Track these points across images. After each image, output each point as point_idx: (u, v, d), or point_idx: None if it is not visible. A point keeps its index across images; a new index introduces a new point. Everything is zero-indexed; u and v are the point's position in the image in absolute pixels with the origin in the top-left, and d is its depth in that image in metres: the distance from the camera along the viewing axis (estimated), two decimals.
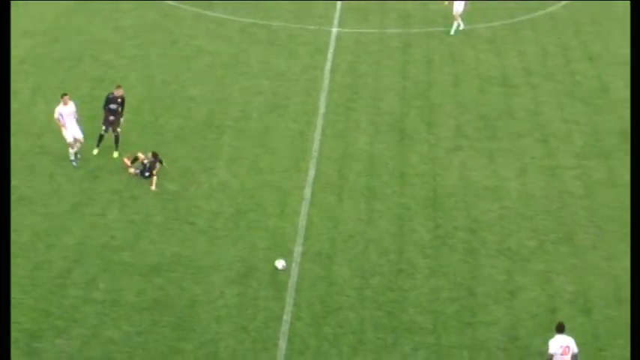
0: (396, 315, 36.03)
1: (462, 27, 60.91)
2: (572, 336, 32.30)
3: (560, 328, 31.86)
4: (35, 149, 45.14)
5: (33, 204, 41.14)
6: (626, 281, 38.40)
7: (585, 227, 42.09)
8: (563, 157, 47.58)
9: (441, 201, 43.34)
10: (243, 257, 38.69)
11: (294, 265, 38.36)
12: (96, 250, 38.00)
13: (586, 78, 56.39)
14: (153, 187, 42.56)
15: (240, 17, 62.26)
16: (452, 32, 60.47)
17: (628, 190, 44.44)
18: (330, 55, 57.39)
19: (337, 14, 63.87)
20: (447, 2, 60.98)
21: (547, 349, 31.63)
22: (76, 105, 43.92)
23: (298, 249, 39.40)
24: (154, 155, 42.92)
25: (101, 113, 44.62)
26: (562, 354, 31.44)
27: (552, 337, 31.83)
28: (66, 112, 42.92)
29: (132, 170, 43.21)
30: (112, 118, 44.43)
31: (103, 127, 44.71)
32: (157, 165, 42.93)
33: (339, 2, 65.73)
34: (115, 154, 44.65)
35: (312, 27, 61.39)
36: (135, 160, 43.29)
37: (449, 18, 61.70)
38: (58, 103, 43.26)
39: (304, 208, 42.13)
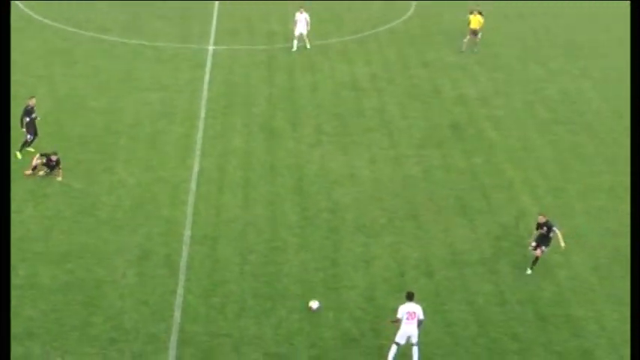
0: (272, 285, 36.11)
1: (308, 48, 60.87)
2: (419, 297, 32.79)
3: (410, 296, 32.26)
4: None
5: None
6: (461, 249, 39.05)
7: (426, 205, 42.57)
8: (405, 147, 48.02)
9: (306, 188, 43.47)
10: (141, 243, 38.41)
11: (184, 247, 38.21)
12: (15, 242, 37.37)
13: (421, 81, 57.00)
14: (59, 178, 42.53)
15: (131, 40, 61.69)
16: (295, 49, 60.52)
17: (460, 173, 45.14)
18: (208, 69, 57.14)
19: (212, 34, 63.60)
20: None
21: (396, 313, 32.01)
22: None
23: (187, 233, 39.24)
24: (48, 158, 42.38)
25: (23, 123, 44.07)
26: (408, 319, 31.82)
27: (403, 302, 32.28)
28: None
29: (41, 172, 42.62)
30: (35, 124, 44.37)
31: (29, 135, 44.32)
32: (55, 164, 42.49)
33: (213, 24, 65.55)
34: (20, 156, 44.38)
35: (192, 46, 61.07)
36: (34, 168, 42.66)
37: (312, 37, 61.79)
38: None
39: (191, 199, 41.95)
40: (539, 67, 60.56)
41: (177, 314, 34.09)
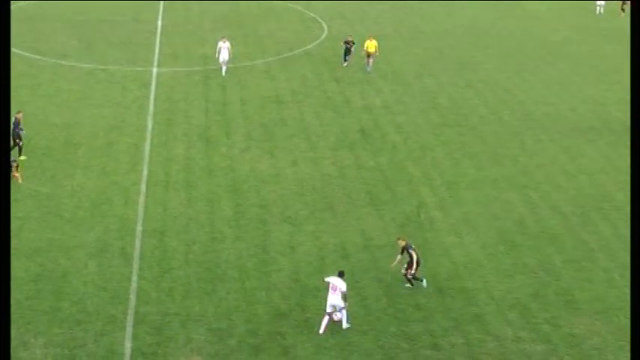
0: (213, 270, 35.79)
1: (225, 72, 59.61)
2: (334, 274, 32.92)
3: (340, 274, 32.52)
4: None
5: None
6: (372, 234, 39.07)
7: (341, 198, 42.52)
8: (322, 150, 47.96)
9: (239, 187, 43.20)
10: (100, 237, 37.84)
11: (137, 240, 37.73)
12: None
13: (334, 94, 56.99)
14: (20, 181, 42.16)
15: (86, 64, 60.94)
16: (224, 74, 59.68)
17: (369, 171, 45.21)
18: (152, 88, 56.58)
19: (156, 58, 63.06)
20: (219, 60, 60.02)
21: (326, 278, 32.75)
22: None
23: (139, 228, 38.75)
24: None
25: (14, 134, 44.08)
26: (331, 288, 32.00)
27: (328, 276, 32.92)
28: None
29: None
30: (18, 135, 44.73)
31: (21, 142, 44.67)
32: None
33: (156, 49, 65.03)
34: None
35: (138, 68, 60.44)
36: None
37: (237, 60, 61.65)
38: None
39: (141, 199, 41.46)
40: (431, 80, 60.90)
41: (132, 298, 33.65)
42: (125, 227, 38.90)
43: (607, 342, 32.25)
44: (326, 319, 32.12)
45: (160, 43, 67.09)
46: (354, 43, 62.37)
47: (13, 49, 62.14)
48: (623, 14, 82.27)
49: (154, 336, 31.55)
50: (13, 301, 32.62)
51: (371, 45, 61.11)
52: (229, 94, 56.24)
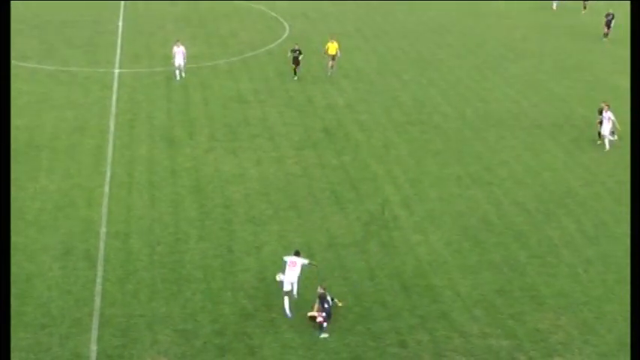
0: (178, 271, 35.69)
1: (183, 77, 58.56)
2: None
3: (297, 253, 33.95)
4: None
5: None
6: (336, 233, 39.13)
7: (305, 197, 42.53)
8: (285, 149, 47.95)
9: (203, 187, 43.09)
10: (63, 240, 37.61)
11: (101, 242, 37.54)
12: None
13: (296, 93, 56.98)
14: None
15: (48, 66, 60.54)
16: (178, 78, 58.50)
17: (333, 170, 45.27)
18: (114, 89, 56.27)
19: (117, 59, 62.74)
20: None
21: (285, 258, 34.06)
22: None
23: (103, 230, 38.56)
24: None
25: None
26: (290, 265, 33.31)
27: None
28: None
29: None
30: None
31: None
32: None
33: (118, 51, 64.71)
34: None
35: (100, 70, 60.09)
36: None
37: (199, 60, 61.44)
38: None
39: (105, 201, 41.24)
40: (394, 78, 61.07)
41: (97, 300, 33.49)
42: (89, 229, 38.67)
43: (572, 336, 32.53)
44: (286, 299, 32.86)
45: (122, 44, 66.75)
46: (301, 53, 59.62)
47: None
48: (584, 11, 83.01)
49: (120, 338, 31.43)
50: None
51: (332, 47, 60.48)
52: (192, 94, 56.07)
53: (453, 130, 51.61)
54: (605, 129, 48.67)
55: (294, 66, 59.76)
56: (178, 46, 58.30)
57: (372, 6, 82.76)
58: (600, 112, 49.40)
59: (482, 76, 62.44)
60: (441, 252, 38.08)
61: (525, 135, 51.24)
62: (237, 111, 53.42)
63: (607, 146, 48.73)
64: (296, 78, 59.62)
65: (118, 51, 64.80)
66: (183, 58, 58.45)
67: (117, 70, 60.19)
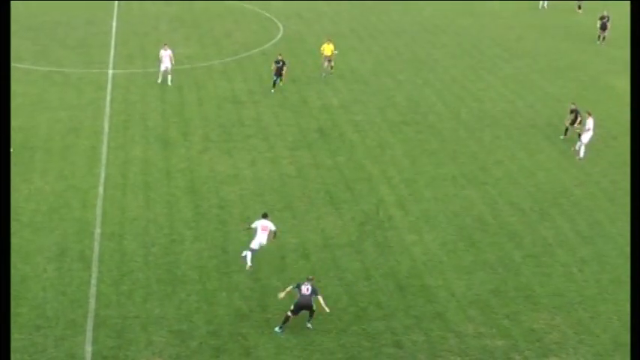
0: (173, 272, 35.74)
1: (172, 80, 57.66)
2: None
3: (264, 215, 36.45)
4: None
5: None
6: (331, 233, 39.20)
7: (300, 198, 42.61)
8: (280, 149, 48.00)
9: (198, 188, 43.13)
10: (58, 241, 37.62)
11: (95, 243, 37.57)
12: None
13: (291, 94, 57.01)
14: None
15: (42, 67, 60.50)
16: (169, 83, 57.69)
17: (328, 170, 45.35)
18: (108, 90, 56.23)
19: (111, 60, 62.72)
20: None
21: (251, 224, 36.28)
22: None
23: (98, 231, 38.57)
24: None
25: None
26: (262, 229, 35.53)
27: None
28: None
29: None
30: None
31: None
32: None
33: (112, 51, 64.70)
34: None
35: (94, 71, 60.07)
36: None
37: (193, 60, 61.46)
38: None
39: (99, 202, 41.25)
40: (389, 78, 61.15)
41: (92, 301, 33.51)
42: (84, 231, 38.69)
43: (567, 336, 32.66)
44: (249, 254, 35.66)
45: (116, 44, 66.71)
46: (284, 63, 57.24)
47: None
48: (579, 11, 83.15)
49: (115, 339, 31.46)
50: None
51: (327, 48, 60.54)
52: (186, 95, 56.08)
53: (448, 130, 51.71)
54: (586, 137, 48.04)
55: (275, 77, 57.42)
56: (166, 50, 57.60)
57: (366, 6, 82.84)
58: (572, 111, 49.66)
59: (477, 75, 62.56)
60: (436, 252, 38.17)
61: (520, 135, 51.37)
62: (231, 111, 53.46)
63: (581, 154, 48.15)
64: (273, 91, 57.02)
65: (112, 52, 64.77)
66: (171, 62, 57.64)
67: (111, 71, 60.18)
